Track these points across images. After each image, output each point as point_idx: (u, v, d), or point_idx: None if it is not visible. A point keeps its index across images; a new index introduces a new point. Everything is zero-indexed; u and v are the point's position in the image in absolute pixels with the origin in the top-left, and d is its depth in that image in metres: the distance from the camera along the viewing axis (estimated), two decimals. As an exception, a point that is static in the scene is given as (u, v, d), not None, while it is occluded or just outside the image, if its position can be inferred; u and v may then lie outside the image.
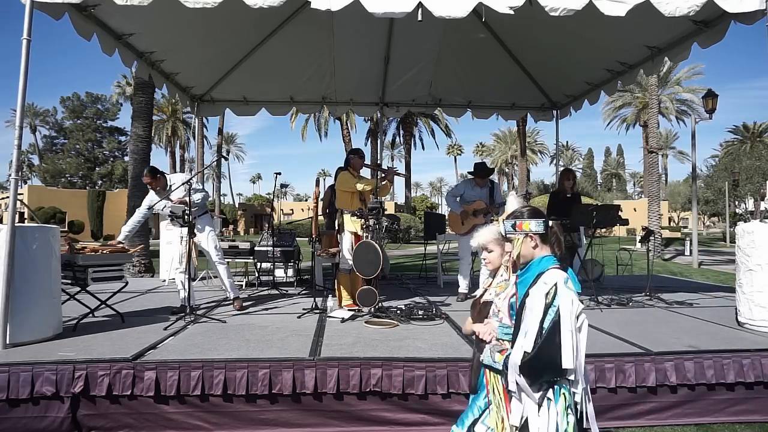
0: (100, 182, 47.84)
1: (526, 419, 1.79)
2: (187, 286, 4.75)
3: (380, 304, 4.95)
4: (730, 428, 3.38)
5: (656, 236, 19.71)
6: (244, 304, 5.31)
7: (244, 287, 6.87)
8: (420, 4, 3.68)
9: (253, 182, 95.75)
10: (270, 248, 6.77)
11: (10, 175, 3.76)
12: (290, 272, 7.42)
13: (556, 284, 1.75)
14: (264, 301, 5.78)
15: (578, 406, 1.82)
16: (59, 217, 31.46)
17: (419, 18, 3.71)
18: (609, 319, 4.72)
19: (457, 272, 6.15)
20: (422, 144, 64.39)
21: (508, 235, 1.93)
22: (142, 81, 9.86)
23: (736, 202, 32.08)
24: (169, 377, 3.20)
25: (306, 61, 7.41)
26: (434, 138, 40.34)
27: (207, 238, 5.18)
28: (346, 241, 5.19)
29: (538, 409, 1.77)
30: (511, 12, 3.73)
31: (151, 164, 10.74)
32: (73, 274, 4.34)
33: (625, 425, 3.39)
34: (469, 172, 6.24)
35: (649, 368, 3.41)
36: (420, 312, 4.81)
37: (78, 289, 4.48)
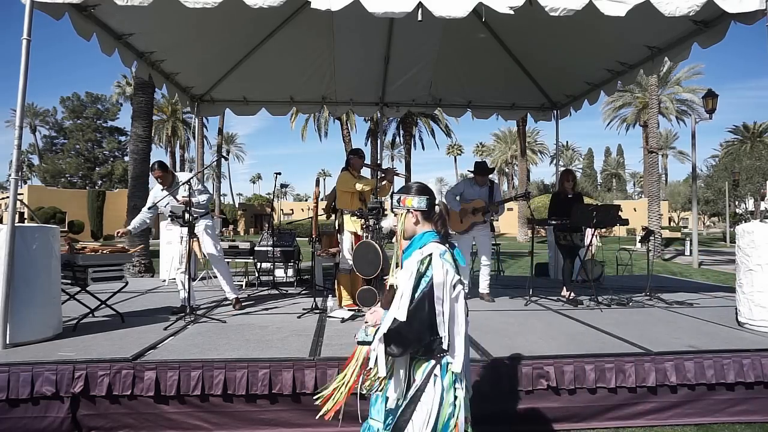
0: (100, 182, 47.85)
1: (413, 395, 1.79)
2: (187, 286, 4.74)
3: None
4: (730, 428, 3.38)
5: (656, 236, 19.71)
6: (243, 304, 5.32)
7: (244, 287, 6.87)
8: (420, 4, 3.68)
9: (253, 182, 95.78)
10: (270, 248, 6.77)
11: (10, 175, 3.76)
12: (290, 272, 7.41)
13: (430, 255, 1.78)
14: (264, 301, 5.78)
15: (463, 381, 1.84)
16: (59, 217, 31.47)
17: (419, 18, 3.71)
18: (609, 319, 4.72)
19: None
20: (422, 144, 64.52)
21: (393, 210, 1.99)
22: (142, 81, 9.86)
23: (736, 202, 32.08)
24: (169, 377, 3.20)
25: (306, 61, 7.41)
26: (434, 138, 40.35)
27: (208, 239, 5.17)
28: (346, 241, 5.19)
29: (425, 385, 1.79)
30: (511, 12, 3.73)
31: (150, 164, 10.76)
32: (73, 274, 4.34)
33: (625, 425, 3.39)
34: (469, 171, 6.25)
35: (649, 368, 3.41)
36: (420, 312, 4.80)
37: (78, 289, 4.48)
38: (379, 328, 1.78)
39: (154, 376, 3.19)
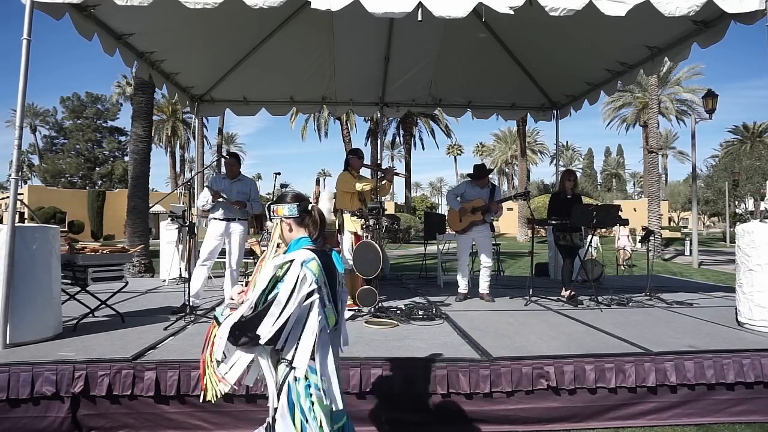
0: (100, 182, 47.84)
1: (275, 410, 1.82)
2: (190, 285, 4.76)
3: (380, 304, 4.95)
4: (730, 428, 3.38)
5: (656, 236, 19.72)
6: None
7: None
8: (420, 4, 3.68)
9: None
10: (270, 248, 6.76)
11: (10, 175, 3.76)
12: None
13: (292, 261, 1.81)
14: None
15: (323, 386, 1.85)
16: (59, 217, 31.45)
17: (419, 18, 3.71)
18: (609, 319, 4.72)
19: (456, 272, 6.16)
20: (422, 144, 64.47)
21: (271, 220, 2.04)
22: (142, 81, 9.86)
23: (736, 202, 32.10)
24: (169, 377, 3.20)
25: (306, 61, 7.41)
26: (434, 138, 40.37)
27: (239, 245, 5.29)
28: (347, 241, 5.19)
29: (280, 391, 1.82)
30: (511, 12, 3.73)
31: (150, 165, 10.76)
32: (73, 274, 4.34)
33: (625, 425, 3.39)
34: (467, 175, 6.26)
35: (649, 368, 3.41)
36: (420, 312, 4.81)
37: (78, 289, 4.48)
38: (231, 314, 1.81)
39: (154, 376, 3.19)
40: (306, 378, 1.81)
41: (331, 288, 1.94)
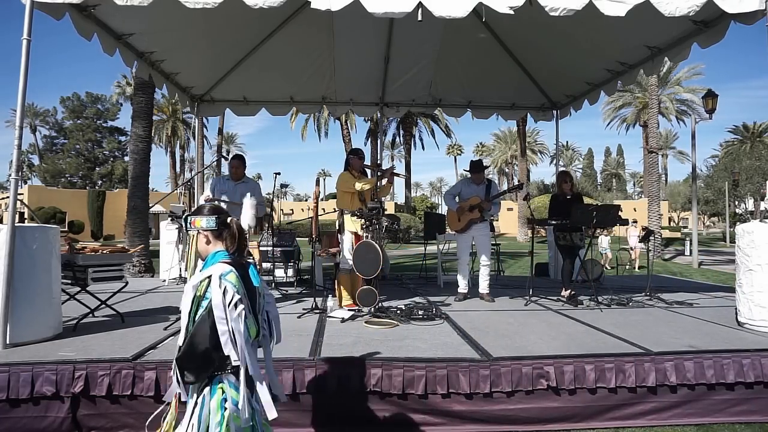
0: (100, 182, 47.83)
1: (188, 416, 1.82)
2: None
3: (380, 304, 4.95)
4: (730, 428, 3.38)
5: (656, 236, 19.71)
6: None
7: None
8: (420, 4, 3.68)
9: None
10: (270, 248, 6.77)
11: (10, 175, 3.76)
12: (290, 272, 7.42)
13: (209, 277, 1.80)
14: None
15: (253, 395, 1.86)
16: (59, 217, 31.44)
17: (419, 18, 3.71)
18: (609, 319, 4.72)
19: (456, 272, 6.16)
20: (422, 144, 64.47)
21: (188, 231, 2.04)
22: (142, 81, 9.85)
23: (736, 202, 32.10)
24: (169, 377, 3.18)
25: (306, 61, 7.41)
26: (434, 138, 40.39)
27: None
28: (347, 241, 5.19)
29: (193, 407, 1.82)
30: (511, 12, 3.73)
31: (150, 165, 10.76)
32: (73, 274, 4.34)
33: (625, 425, 3.39)
34: (465, 170, 6.26)
35: (649, 368, 3.41)
36: (420, 312, 4.81)
37: (78, 289, 4.48)
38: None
39: (154, 376, 3.19)
40: (222, 391, 1.81)
41: (252, 300, 1.93)
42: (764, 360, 3.50)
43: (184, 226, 2.03)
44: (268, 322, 2.06)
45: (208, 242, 1.99)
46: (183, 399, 1.86)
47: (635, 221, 16.87)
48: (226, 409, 1.80)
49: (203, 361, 1.78)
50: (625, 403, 3.41)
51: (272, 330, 2.08)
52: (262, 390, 1.89)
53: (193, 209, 2.08)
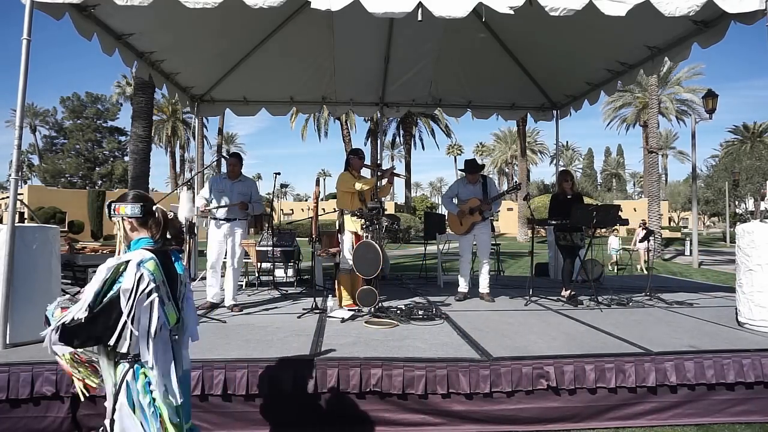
0: (100, 182, 47.82)
1: (113, 406, 1.83)
2: (206, 289, 4.84)
3: (380, 304, 4.95)
4: (730, 428, 3.38)
5: (656, 236, 19.71)
6: (241, 307, 5.27)
7: (244, 287, 6.87)
8: (420, 4, 3.68)
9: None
10: (270, 248, 6.77)
11: (10, 175, 3.76)
12: (290, 272, 7.42)
13: (128, 261, 1.82)
14: (264, 301, 5.78)
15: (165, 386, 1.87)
16: (59, 217, 31.44)
17: (419, 18, 3.71)
18: (609, 319, 4.72)
19: (457, 272, 6.16)
20: (422, 144, 64.45)
21: (111, 218, 2.02)
22: (142, 81, 9.85)
23: (736, 202, 32.11)
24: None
25: (306, 61, 7.41)
26: (434, 138, 40.37)
27: (238, 242, 5.28)
28: (347, 241, 5.19)
29: (118, 391, 1.83)
30: (511, 12, 3.73)
31: (150, 164, 10.76)
32: (73, 274, 4.35)
33: (625, 425, 3.39)
34: (460, 170, 6.27)
35: (649, 368, 3.41)
36: (420, 312, 4.81)
37: (78, 289, 4.47)
38: (63, 315, 1.79)
39: (154, 376, 3.19)
40: (145, 375, 1.84)
41: (173, 287, 1.95)
42: (764, 360, 3.50)
43: (107, 213, 2.03)
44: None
45: (132, 229, 2.00)
46: (58, 352, 1.83)
47: (644, 222, 16.65)
48: (152, 390, 1.84)
49: (92, 338, 1.80)
50: (625, 403, 3.41)
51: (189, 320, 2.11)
52: (173, 377, 1.90)
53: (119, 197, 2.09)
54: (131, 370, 1.84)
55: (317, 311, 4.96)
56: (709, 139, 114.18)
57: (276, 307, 5.36)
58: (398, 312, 4.85)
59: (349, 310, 4.98)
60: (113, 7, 3.84)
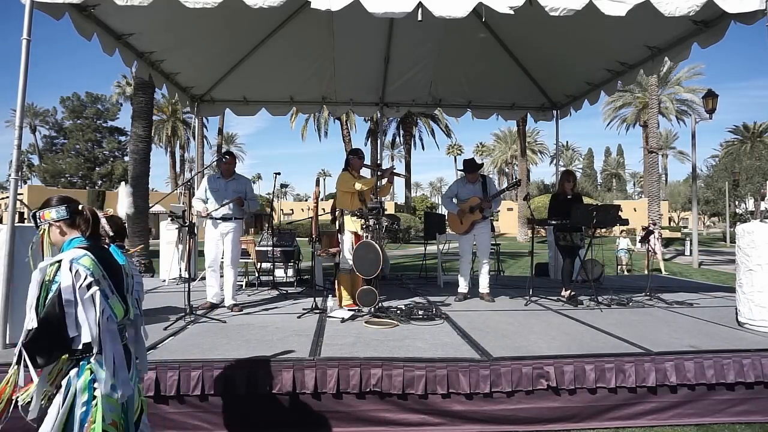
0: (100, 182, 47.81)
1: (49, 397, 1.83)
2: (207, 289, 4.83)
3: (380, 304, 4.94)
4: (730, 428, 3.38)
5: (656, 236, 19.68)
6: (241, 306, 5.27)
7: (244, 287, 6.87)
8: (420, 4, 3.68)
9: (253, 182, 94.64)
10: (270, 248, 6.76)
11: (10, 175, 3.76)
12: (290, 272, 7.42)
13: (60, 261, 1.79)
14: (264, 301, 5.78)
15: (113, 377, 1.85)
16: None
17: (419, 18, 3.71)
18: (609, 319, 4.72)
19: (457, 272, 6.15)
20: (422, 144, 64.51)
21: (38, 227, 1.98)
22: (142, 81, 9.87)
23: (736, 202, 32.10)
24: (169, 377, 3.20)
25: (306, 61, 7.41)
26: (434, 138, 40.39)
27: (233, 245, 5.26)
28: (347, 241, 5.19)
29: (60, 387, 1.82)
30: (511, 12, 3.73)
31: (150, 164, 10.77)
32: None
33: (625, 425, 3.39)
34: (458, 170, 6.27)
35: (649, 368, 3.41)
36: (420, 312, 4.81)
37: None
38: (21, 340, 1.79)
39: (154, 376, 3.19)
40: (91, 372, 1.82)
41: (116, 280, 1.93)
42: (764, 360, 3.50)
43: (33, 223, 1.99)
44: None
45: (62, 233, 1.96)
46: (35, 380, 1.84)
47: (655, 223, 15.96)
48: (95, 389, 1.81)
49: (53, 344, 1.78)
50: (625, 403, 3.41)
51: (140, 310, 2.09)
52: (122, 370, 1.89)
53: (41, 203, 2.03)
54: (75, 368, 1.82)
55: (317, 311, 4.96)
56: (709, 139, 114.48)
57: (276, 307, 5.36)
58: (398, 312, 4.85)
59: (349, 310, 4.98)
60: (113, 7, 3.84)
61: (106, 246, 2.00)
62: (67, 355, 1.84)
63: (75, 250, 1.86)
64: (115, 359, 1.86)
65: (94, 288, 1.81)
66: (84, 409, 1.80)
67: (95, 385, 1.81)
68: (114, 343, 1.87)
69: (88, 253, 1.85)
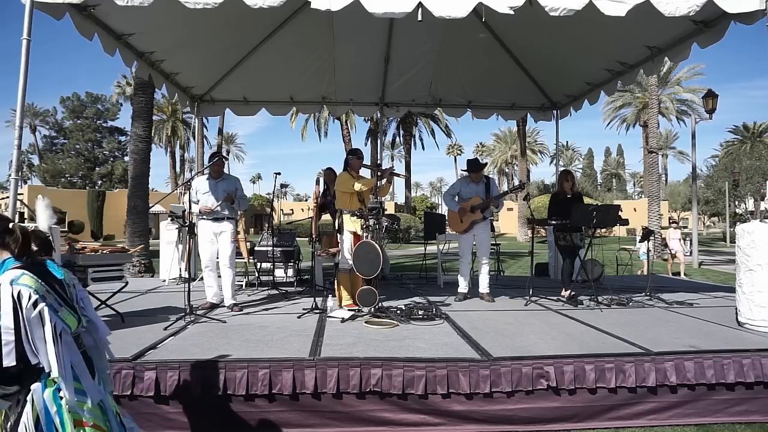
0: (100, 182, 47.84)
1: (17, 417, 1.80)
2: (205, 289, 4.82)
3: (380, 304, 4.95)
4: (730, 428, 3.38)
5: (656, 236, 19.70)
6: (241, 306, 5.27)
7: (244, 287, 6.87)
8: (420, 4, 3.68)
9: (253, 182, 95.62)
10: (270, 248, 6.76)
11: (10, 175, 3.76)
12: (290, 272, 7.41)
13: None
14: (264, 301, 5.78)
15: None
16: (59, 217, 31.37)
17: (419, 18, 3.72)
18: (609, 319, 4.72)
19: (457, 272, 6.15)
20: (422, 144, 64.38)
21: None
22: (142, 81, 9.86)
23: (736, 202, 32.11)
24: (169, 377, 3.20)
25: (306, 61, 7.41)
26: (434, 138, 40.33)
27: (229, 244, 5.24)
28: (347, 242, 5.19)
29: (23, 404, 1.79)
30: (511, 12, 3.74)
31: (150, 165, 10.77)
32: (73, 274, 4.35)
33: (625, 425, 3.39)
34: (462, 170, 6.26)
35: (649, 368, 3.41)
36: (420, 312, 4.81)
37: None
38: None
39: (154, 376, 3.19)
40: (54, 382, 1.80)
41: (62, 294, 1.91)
42: (764, 360, 3.50)
43: None
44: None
45: None
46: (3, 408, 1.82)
47: (675, 222, 14.70)
48: (62, 397, 1.81)
49: (14, 371, 1.75)
50: (625, 403, 3.41)
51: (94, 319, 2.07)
52: (86, 377, 1.88)
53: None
54: (38, 383, 1.80)
55: (317, 311, 4.96)
56: (709, 139, 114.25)
57: (276, 307, 5.36)
58: (398, 312, 4.85)
59: (349, 310, 4.98)
60: (113, 7, 3.84)
61: (42, 261, 1.95)
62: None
63: (11, 271, 1.81)
64: (76, 368, 1.85)
65: (41, 305, 1.77)
66: (57, 419, 1.79)
67: (60, 394, 1.81)
68: (71, 353, 1.85)
69: (26, 272, 1.81)
